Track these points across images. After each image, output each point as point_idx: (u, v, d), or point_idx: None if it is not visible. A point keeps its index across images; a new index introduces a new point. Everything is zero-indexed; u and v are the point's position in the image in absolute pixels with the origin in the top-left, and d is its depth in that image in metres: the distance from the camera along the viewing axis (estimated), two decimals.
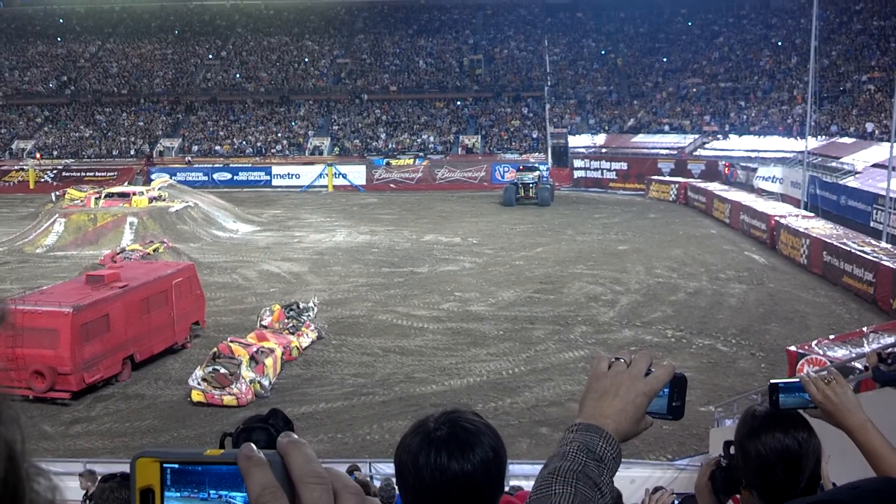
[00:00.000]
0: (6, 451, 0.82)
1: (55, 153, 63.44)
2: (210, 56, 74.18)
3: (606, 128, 60.35)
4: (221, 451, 1.03)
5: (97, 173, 58.59)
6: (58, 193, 46.35)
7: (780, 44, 62.99)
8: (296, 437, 1.02)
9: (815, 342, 18.07)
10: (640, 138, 57.60)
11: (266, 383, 19.56)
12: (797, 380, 2.53)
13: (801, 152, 41.39)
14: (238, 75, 71.34)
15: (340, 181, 57.56)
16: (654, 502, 4.13)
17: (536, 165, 52.72)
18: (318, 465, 1.00)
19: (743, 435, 2.71)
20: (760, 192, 43.95)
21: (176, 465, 1.01)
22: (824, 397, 2.44)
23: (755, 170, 46.97)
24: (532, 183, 48.28)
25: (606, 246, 35.69)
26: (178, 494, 1.00)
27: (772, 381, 2.57)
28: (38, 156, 62.72)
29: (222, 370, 18.91)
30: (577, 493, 1.59)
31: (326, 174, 57.78)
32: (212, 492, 1.00)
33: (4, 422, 0.82)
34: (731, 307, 26.02)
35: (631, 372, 1.78)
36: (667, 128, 57.99)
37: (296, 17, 77.46)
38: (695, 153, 54.00)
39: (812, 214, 35.65)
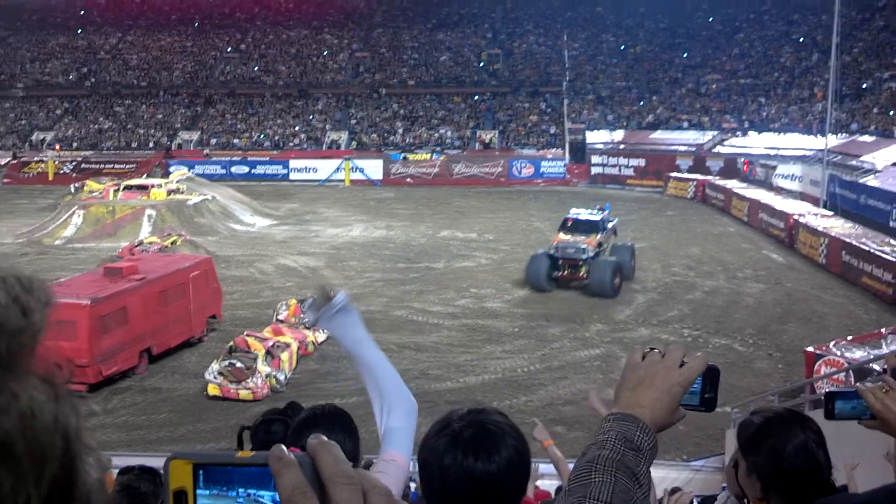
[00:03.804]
0: (62, 429, 0.85)
1: (74, 145, 63.70)
2: (229, 49, 74.38)
3: (625, 123, 60.06)
4: (252, 454, 1.04)
5: (116, 165, 58.75)
6: (77, 185, 46.61)
7: (801, 40, 62.54)
8: (325, 438, 1.04)
9: (832, 343, 17.98)
10: (659, 134, 57.30)
11: (282, 378, 19.64)
12: (853, 389, 2.48)
13: (821, 150, 41.06)
14: (257, 68, 71.53)
15: (357, 175, 57.59)
16: (674, 503, 4.12)
17: (597, 221, 28.48)
18: (348, 465, 1.01)
19: (754, 440, 2.70)
20: (779, 191, 43.66)
21: (208, 467, 1.03)
22: (883, 406, 2.39)
23: (774, 167, 46.64)
24: (583, 258, 26.98)
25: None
26: (208, 492, 1.02)
27: (828, 389, 2.55)
28: (57, 147, 63.04)
29: (238, 364, 18.99)
30: (616, 482, 1.59)
31: (344, 168, 57.82)
32: (240, 490, 1.02)
33: (60, 402, 0.86)
34: (749, 307, 25.89)
35: (665, 362, 1.78)
36: (685, 124, 57.66)
37: (315, 10, 77.56)
38: (713, 150, 53.69)
39: (831, 213, 35.40)
